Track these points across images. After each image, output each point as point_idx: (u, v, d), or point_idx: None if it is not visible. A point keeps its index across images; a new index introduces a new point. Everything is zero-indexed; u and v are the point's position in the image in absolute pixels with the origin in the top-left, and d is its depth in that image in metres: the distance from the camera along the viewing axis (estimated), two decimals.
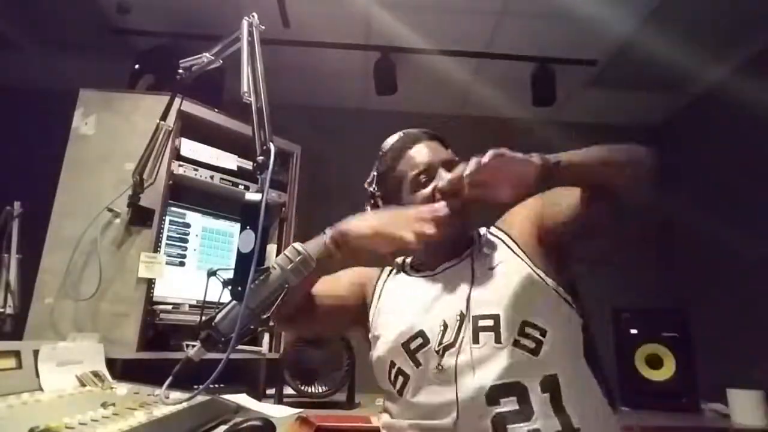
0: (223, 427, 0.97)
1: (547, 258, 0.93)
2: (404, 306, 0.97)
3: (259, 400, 1.62)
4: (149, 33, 2.19)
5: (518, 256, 0.93)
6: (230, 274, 0.87)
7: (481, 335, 0.85)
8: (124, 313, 1.50)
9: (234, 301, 0.87)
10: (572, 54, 2.30)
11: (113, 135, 1.65)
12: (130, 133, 1.63)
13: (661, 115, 2.84)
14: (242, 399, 1.48)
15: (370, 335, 1.01)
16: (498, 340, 0.84)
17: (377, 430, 0.99)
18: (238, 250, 0.87)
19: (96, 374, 1.21)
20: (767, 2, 1.93)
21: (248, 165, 1.37)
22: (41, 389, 1.05)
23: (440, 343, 0.87)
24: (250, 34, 1.13)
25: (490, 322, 0.85)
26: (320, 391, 1.63)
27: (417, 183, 0.97)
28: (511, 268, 0.92)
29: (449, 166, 0.97)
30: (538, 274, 0.90)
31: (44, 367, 1.08)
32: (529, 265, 0.91)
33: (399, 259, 1.10)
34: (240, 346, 0.95)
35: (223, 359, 0.79)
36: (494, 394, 0.81)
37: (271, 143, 0.97)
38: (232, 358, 0.80)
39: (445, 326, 0.88)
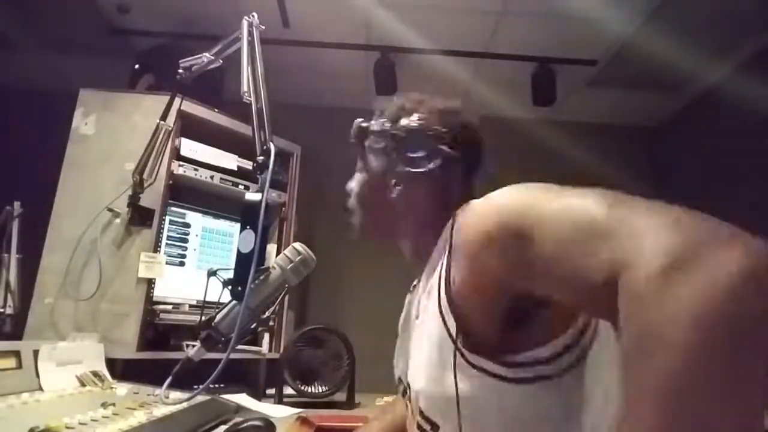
0: (223, 427, 0.97)
1: (483, 310, 0.60)
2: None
3: (259, 400, 1.62)
4: (149, 33, 2.19)
5: (440, 307, 0.64)
6: (230, 274, 0.87)
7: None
8: (124, 313, 1.50)
9: (234, 301, 0.87)
10: (572, 54, 2.30)
11: (113, 135, 1.65)
12: (130, 133, 1.63)
13: (660, 115, 2.84)
14: (242, 399, 1.48)
15: None
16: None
17: None
18: (238, 250, 0.87)
19: (96, 374, 1.21)
20: (767, 2, 1.93)
21: (248, 165, 1.37)
22: (41, 389, 1.05)
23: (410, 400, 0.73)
24: (250, 34, 1.13)
25: (413, 395, 0.70)
26: (320, 391, 1.63)
27: None
28: (428, 325, 0.67)
29: None
30: (450, 337, 0.62)
31: (44, 367, 1.08)
32: (444, 326, 0.63)
33: None
34: (240, 346, 0.95)
35: (223, 359, 0.79)
36: None
37: (271, 143, 0.97)
38: (232, 358, 0.80)
39: (403, 381, 0.78)
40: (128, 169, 1.56)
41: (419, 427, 0.67)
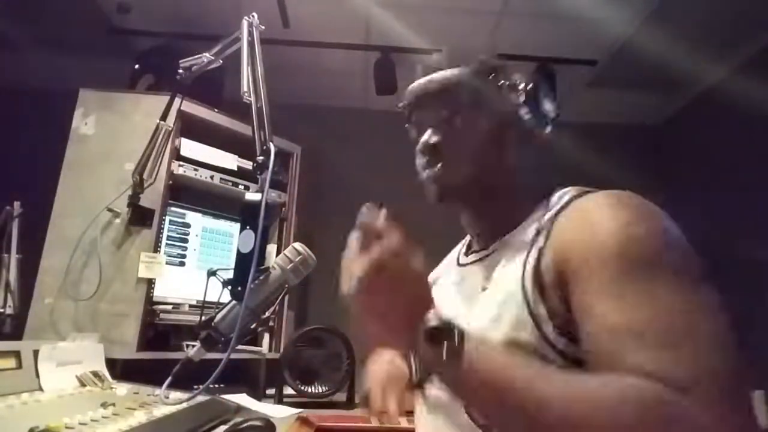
0: (223, 427, 0.97)
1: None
2: (439, 299, 0.81)
3: (259, 400, 1.62)
4: (149, 33, 2.19)
5: (524, 286, 0.62)
6: (230, 274, 0.87)
7: None
8: (124, 313, 1.50)
9: (234, 301, 0.87)
10: (572, 54, 2.31)
11: (113, 135, 1.65)
12: (130, 133, 1.63)
13: (661, 115, 2.84)
14: (242, 399, 1.48)
15: None
16: None
17: (377, 430, 0.99)
18: (238, 250, 0.87)
19: (96, 374, 1.21)
20: (767, 2, 1.93)
21: (248, 165, 1.37)
22: (41, 389, 1.05)
23: None
24: (250, 34, 1.13)
25: None
26: (320, 391, 1.63)
27: None
28: (503, 297, 0.64)
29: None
30: (533, 320, 0.60)
31: (44, 367, 1.08)
32: (527, 304, 0.61)
33: (461, 246, 0.89)
34: (240, 346, 0.95)
35: (223, 359, 0.79)
36: None
37: (271, 143, 0.97)
38: (232, 358, 0.80)
39: None
40: (128, 169, 1.56)
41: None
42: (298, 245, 0.92)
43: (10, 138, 2.36)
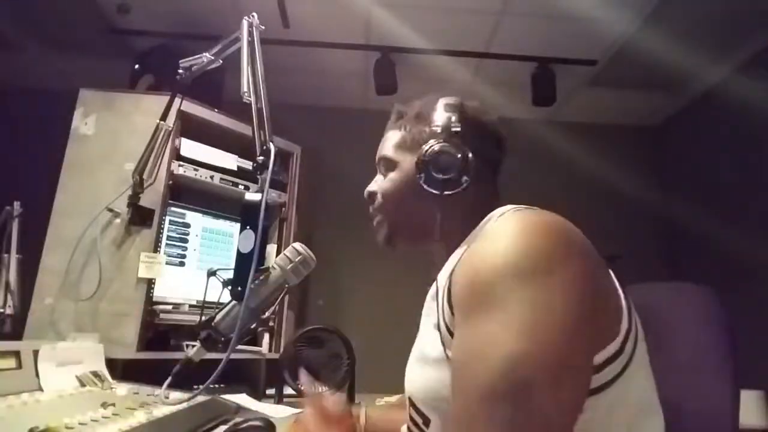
0: (223, 427, 0.97)
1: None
2: None
3: (259, 400, 1.62)
4: (149, 33, 2.19)
5: (439, 311, 0.65)
6: (230, 274, 0.87)
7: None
8: (124, 313, 1.50)
9: (234, 301, 0.87)
10: (572, 54, 2.31)
11: (113, 135, 1.65)
12: (130, 133, 1.63)
13: (661, 115, 2.84)
14: (242, 399, 1.48)
15: None
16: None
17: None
18: (238, 250, 0.87)
19: (96, 374, 1.21)
20: (767, 2, 1.93)
21: (248, 165, 1.37)
22: (41, 389, 1.05)
23: None
24: (250, 34, 1.13)
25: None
26: (320, 391, 1.63)
27: None
28: (427, 325, 0.70)
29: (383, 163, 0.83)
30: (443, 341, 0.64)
31: (44, 367, 1.08)
32: (441, 324, 0.64)
33: None
34: (240, 346, 0.94)
35: (223, 359, 0.79)
36: None
37: (271, 143, 0.97)
38: (232, 358, 0.80)
39: None
40: (128, 169, 1.56)
41: (410, 419, 0.71)
42: (298, 245, 0.92)
43: (11, 138, 2.36)
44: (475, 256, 0.59)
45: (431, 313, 0.69)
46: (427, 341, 0.67)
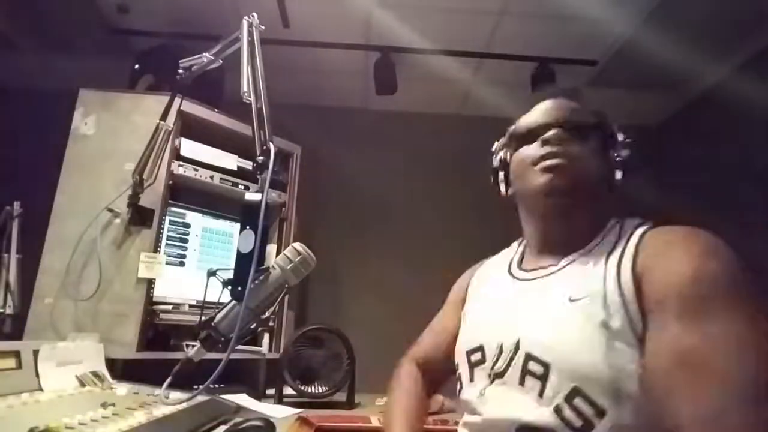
0: (223, 427, 0.97)
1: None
2: (482, 310, 0.88)
3: (259, 400, 1.62)
4: (149, 33, 2.19)
5: (623, 295, 0.66)
6: (230, 274, 0.87)
7: (528, 379, 0.70)
8: (124, 313, 1.50)
9: (234, 301, 0.87)
10: (572, 54, 2.31)
11: (113, 135, 1.65)
12: (130, 133, 1.63)
13: (660, 115, 2.84)
14: (242, 399, 1.48)
15: None
16: (541, 394, 0.68)
17: (377, 430, 0.99)
18: (238, 250, 0.87)
19: (96, 374, 1.21)
20: (767, 2, 1.93)
21: (248, 165, 1.37)
22: (41, 389, 1.05)
23: (492, 368, 0.76)
24: (250, 34, 1.13)
25: (539, 369, 0.69)
26: (320, 391, 1.63)
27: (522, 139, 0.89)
28: (594, 308, 0.67)
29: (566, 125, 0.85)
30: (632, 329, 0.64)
31: (44, 367, 1.08)
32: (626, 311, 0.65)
33: (508, 257, 0.95)
34: (240, 346, 0.95)
35: (223, 359, 0.79)
36: None
37: (271, 143, 0.97)
38: (232, 358, 0.80)
39: (501, 350, 0.76)
40: (128, 169, 1.56)
41: (557, 410, 0.65)
42: (298, 245, 0.93)
43: (10, 138, 2.36)
44: (706, 255, 0.64)
45: (590, 263, 0.74)
46: (593, 301, 0.68)
